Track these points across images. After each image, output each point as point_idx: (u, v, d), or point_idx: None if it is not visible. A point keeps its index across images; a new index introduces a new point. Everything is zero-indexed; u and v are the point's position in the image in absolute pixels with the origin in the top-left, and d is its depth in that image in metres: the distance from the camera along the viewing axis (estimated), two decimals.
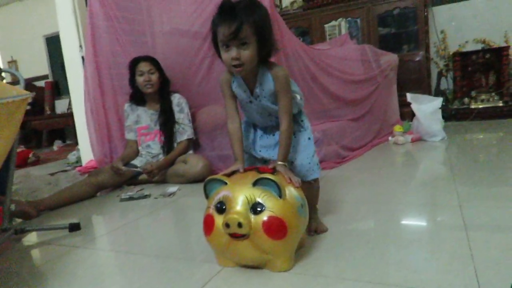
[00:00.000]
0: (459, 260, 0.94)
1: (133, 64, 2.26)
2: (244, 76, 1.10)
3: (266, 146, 1.21)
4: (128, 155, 2.31)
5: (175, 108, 2.32)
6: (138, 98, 2.32)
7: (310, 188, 1.18)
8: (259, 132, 1.23)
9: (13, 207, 1.60)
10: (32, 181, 2.33)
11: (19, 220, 1.74)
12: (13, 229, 1.43)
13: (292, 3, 4.39)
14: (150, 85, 2.25)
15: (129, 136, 2.37)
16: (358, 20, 3.95)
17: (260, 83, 1.10)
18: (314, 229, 1.19)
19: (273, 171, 1.03)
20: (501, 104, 3.59)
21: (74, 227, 1.49)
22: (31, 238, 1.50)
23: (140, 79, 2.24)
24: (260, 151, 1.21)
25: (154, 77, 2.25)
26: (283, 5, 4.52)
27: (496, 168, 1.88)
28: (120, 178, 2.17)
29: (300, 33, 4.24)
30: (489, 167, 1.91)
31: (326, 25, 4.07)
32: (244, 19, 0.98)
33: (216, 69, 2.40)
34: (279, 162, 1.08)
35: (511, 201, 1.36)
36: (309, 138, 1.19)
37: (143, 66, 2.24)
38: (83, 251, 1.28)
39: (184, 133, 2.31)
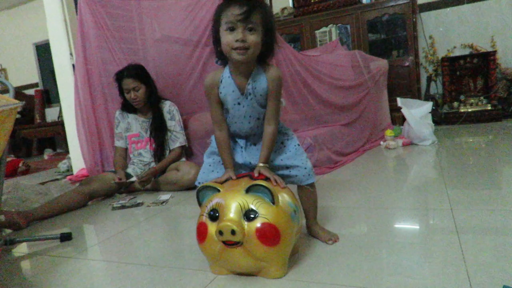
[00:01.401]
0: (451, 263, 0.95)
1: (118, 78, 2.23)
2: (238, 68, 1.06)
3: (252, 157, 1.16)
4: (121, 164, 2.28)
5: (166, 116, 2.31)
6: (128, 106, 2.31)
7: (309, 194, 1.17)
8: (241, 143, 1.18)
9: (2, 217, 1.58)
10: (22, 191, 2.30)
11: (8, 231, 1.71)
12: (2, 240, 1.41)
13: (282, 10, 4.43)
14: (137, 102, 2.23)
15: (119, 143, 2.36)
16: (348, 26, 4.00)
17: (254, 81, 1.06)
18: (330, 238, 1.16)
19: (266, 177, 1.03)
20: (489, 108, 3.66)
21: (66, 237, 1.47)
22: (21, 249, 1.48)
23: (127, 95, 2.23)
24: (245, 152, 1.17)
25: (140, 93, 2.22)
26: (274, 12, 4.56)
27: (485, 171, 1.90)
28: (111, 187, 2.15)
29: (291, 40, 4.28)
30: (479, 170, 1.93)
31: (316, 31, 4.11)
32: (255, 5, 0.98)
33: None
34: (261, 164, 1.07)
35: (501, 203, 1.37)
36: (298, 145, 1.17)
37: (127, 84, 2.20)
38: (75, 261, 1.27)
39: (176, 140, 2.30)
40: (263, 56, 1.07)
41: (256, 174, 1.04)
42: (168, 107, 2.32)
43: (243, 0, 0.98)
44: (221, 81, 1.09)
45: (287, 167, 1.15)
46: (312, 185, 1.17)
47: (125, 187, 2.23)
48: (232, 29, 0.99)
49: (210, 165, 1.19)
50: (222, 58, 1.08)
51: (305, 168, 1.14)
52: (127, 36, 2.62)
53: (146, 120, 2.32)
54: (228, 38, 0.99)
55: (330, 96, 2.76)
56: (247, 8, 0.96)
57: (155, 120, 2.28)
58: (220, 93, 1.09)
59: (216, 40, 1.05)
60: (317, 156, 2.25)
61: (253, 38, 0.99)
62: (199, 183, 1.17)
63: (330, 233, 1.19)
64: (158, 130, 2.27)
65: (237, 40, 0.98)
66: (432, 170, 2.11)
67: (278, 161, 1.14)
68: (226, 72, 1.08)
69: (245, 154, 1.16)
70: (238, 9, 0.97)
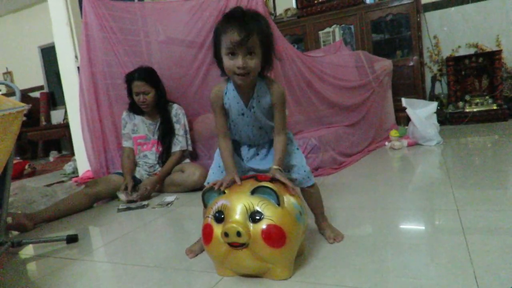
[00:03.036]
0: (458, 264, 0.95)
1: (128, 80, 2.23)
2: (241, 86, 1.09)
3: (254, 159, 1.20)
4: (131, 168, 2.24)
5: (173, 119, 2.31)
6: (136, 108, 2.31)
7: (311, 195, 1.20)
8: (245, 149, 1.22)
9: (9, 219, 1.59)
10: (28, 193, 2.31)
11: (15, 233, 1.73)
12: (9, 242, 1.42)
13: (286, 11, 4.43)
14: (146, 105, 2.23)
15: (127, 143, 2.34)
16: (352, 27, 3.99)
17: (258, 95, 1.10)
18: (333, 237, 1.17)
19: (271, 179, 1.03)
20: (495, 107, 3.63)
21: (72, 239, 1.48)
22: (28, 251, 1.49)
23: (136, 98, 2.23)
24: (247, 163, 1.21)
25: (149, 97, 2.22)
26: (277, 13, 4.56)
27: (491, 171, 1.89)
28: (117, 189, 2.16)
29: (294, 40, 4.28)
30: (485, 170, 1.92)
31: (320, 32, 4.10)
32: (254, 27, 0.99)
33: (212, 78, 2.42)
34: (275, 167, 1.08)
35: (507, 203, 1.36)
36: (297, 149, 1.21)
37: (138, 87, 2.19)
38: (81, 263, 1.27)
39: (177, 144, 2.30)
40: (263, 69, 1.09)
41: (270, 175, 1.05)
42: (175, 110, 2.32)
43: (241, 24, 0.98)
44: (225, 93, 1.12)
45: (287, 170, 1.16)
46: (313, 186, 1.20)
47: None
48: (232, 54, 1.01)
49: (220, 166, 1.20)
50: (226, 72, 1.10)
51: (304, 171, 1.17)
52: (132, 39, 2.63)
53: (154, 123, 2.33)
54: (229, 63, 1.02)
55: (334, 97, 2.76)
56: (245, 33, 0.97)
57: (163, 124, 2.29)
58: (225, 103, 1.13)
59: (218, 58, 1.07)
60: (321, 157, 2.24)
61: (253, 63, 1.02)
62: (208, 183, 1.19)
63: (335, 232, 1.20)
64: (166, 134, 2.28)
65: (238, 67, 1.01)
66: (438, 170, 2.10)
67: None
68: (231, 85, 1.12)
69: (248, 162, 1.20)
70: (237, 35, 0.98)
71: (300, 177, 1.17)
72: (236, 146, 1.22)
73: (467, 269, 0.92)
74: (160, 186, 2.21)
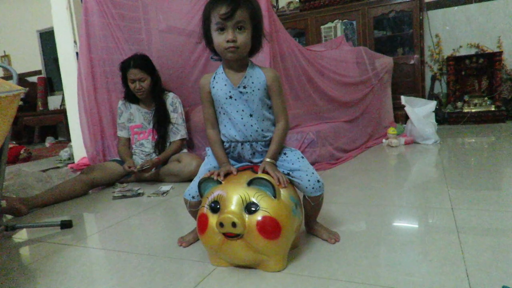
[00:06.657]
0: (450, 262, 0.95)
1: (124, 68, 2.21)
2: (232, 65, 1.08)
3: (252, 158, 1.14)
4: (127, 153, 2.29)
5: (169, 108, 2.30)
6: (131, 96, 2.30)
7: (316, 205, 1.12)
8: (239, 149, 1.12)
9: (3, 203, 1.58)
10: (24, 178, 2.30)
11: (9, 217, 1.72)
12: (3, 226, 1.42)
13: (288, 4, 4.40)
14: (142, 92, 2.22)
15: (122, 133, 2.35)
16: (354, 22, 3.98)
17: (251, 75, 1.07)
18: (334, 238, 1.13)
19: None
20: (493, 109, 3.64)
21: (66, 225, 1.48)
22: (21, 235, 1.48)
23: (131, 85, 2.21)
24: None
25: (145, 84, 2.20)
26: (280, 6, 4.53)
27: (487, 172, 1.90)
28: (112, 176, 2.16)
29: (296, 34, 4.26)
30: (481, 171, 1.92)
31: (322, 27, 4.09)
32: (242, 1, 0.99)
33: (211, 69, 2.40)
34: (268, 159, 1.06)
35: (501, 204, 1.37)
36: (302, 157, 1.11)
37: (133, 74, 2.17)
38: (75, 249, 1.27)
39: (177, 133, 2.29)
40: (253, 49, 1.08)
41: (260, 171, 1.02)
42: (171, 99, 2.31)
43: None
44: (214, 77, 1.11)
45: (291, 176, 1.08)
46: (320, 197, 1.10)
47: (127, 176, 2.23)
48: (222, 29, 1.01)
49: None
50: (217, 54, 1.09)
51: (309, 180, 1.06)
52: (132, 26, 2.60)
53: (149, 112, 2.32)
54: (219, 39, 1.02)
55: (333, 92, 2.75)
56: (233, 6, 0.98)
57: (158, 112, 2.27)
58: (213, 87, 1.10)
59: (208, 38, 1.07)
60: (319, 151, 2.24)
61: (242, 38, 1.01)
62: (191, 196, 1.11)
63: (331, 232, 1.17)
64: (161, 122, 2.27)
65: (228, 41, 1.00)
66: (434, 169, 2.10)
67: (280, 168, 1.09)
68: (220, 68, 1.11)
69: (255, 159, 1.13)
70: (225, 8, 0.98)
71: (310, 186, 1.06)
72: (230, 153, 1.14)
73: (460, 267, 0.92)
74: (157, 174, 2.20)
